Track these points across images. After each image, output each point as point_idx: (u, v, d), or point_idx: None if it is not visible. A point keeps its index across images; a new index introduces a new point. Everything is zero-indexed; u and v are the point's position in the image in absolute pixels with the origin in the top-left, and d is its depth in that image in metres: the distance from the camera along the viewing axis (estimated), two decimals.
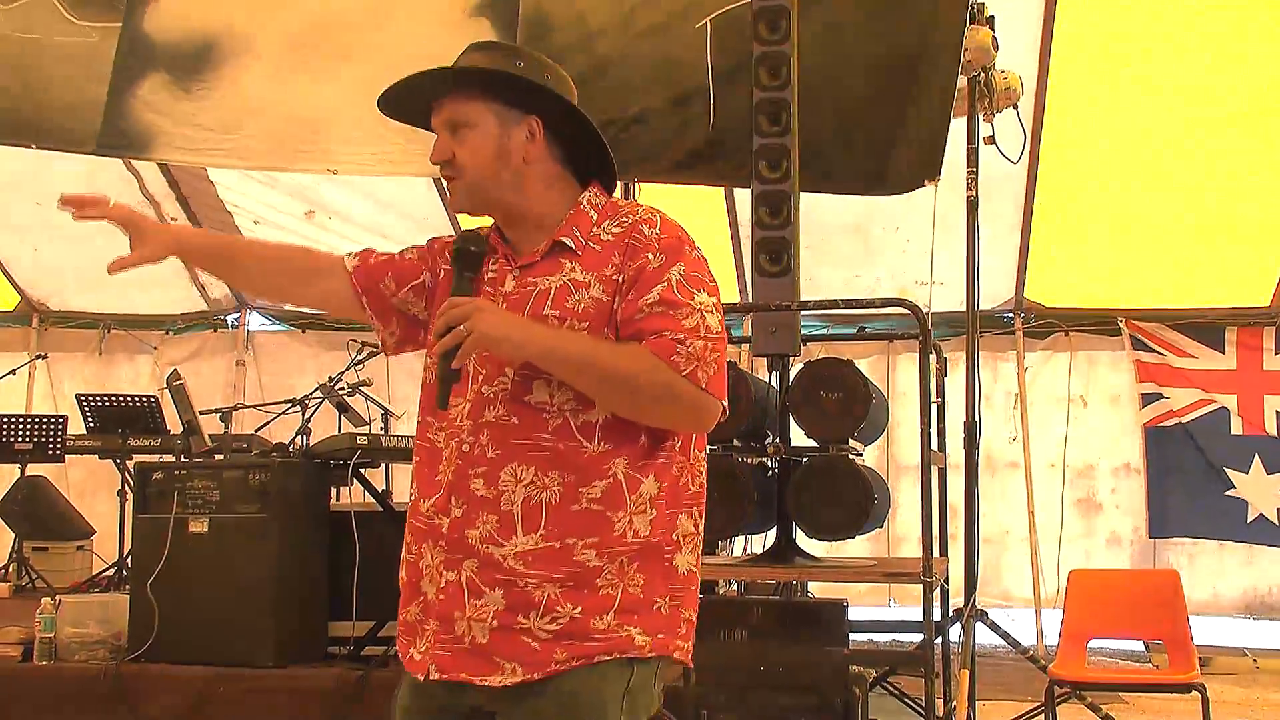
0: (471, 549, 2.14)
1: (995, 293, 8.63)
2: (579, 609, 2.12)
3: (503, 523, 2.13)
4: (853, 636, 4.65)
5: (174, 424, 7.66)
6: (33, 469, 8.03)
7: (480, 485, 2.15)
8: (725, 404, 2.19)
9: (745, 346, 6.22)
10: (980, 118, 5.71)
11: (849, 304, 5.71)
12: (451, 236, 2.38)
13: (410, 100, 2.31)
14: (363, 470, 5.18)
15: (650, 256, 2.20)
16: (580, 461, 2.14)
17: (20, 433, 7.75)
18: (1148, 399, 8.62)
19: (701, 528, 2.29)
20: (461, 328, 2.08)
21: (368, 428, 6.67)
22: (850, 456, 4.50)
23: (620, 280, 2.19)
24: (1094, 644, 5.84)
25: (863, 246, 8.60)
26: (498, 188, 2.26)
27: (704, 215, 8.34)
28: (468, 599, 2.14)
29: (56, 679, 4.83)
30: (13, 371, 9.04)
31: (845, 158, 5.47)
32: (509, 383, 2.16)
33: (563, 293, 2.20)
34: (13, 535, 7.95)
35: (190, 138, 5.79)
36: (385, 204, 8.53)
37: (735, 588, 6.42)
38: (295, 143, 5.89)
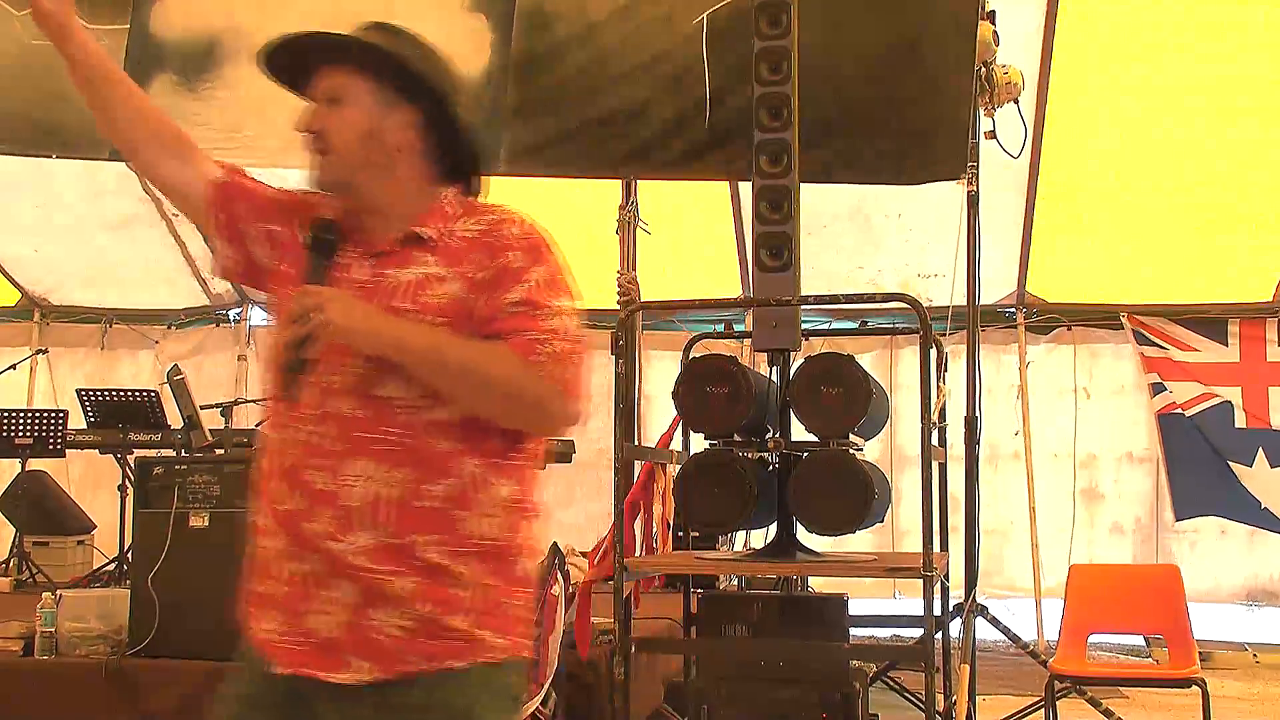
0: (310, 542, 2.06)
1: (997, 287, 8.63)
2: (431, 607, 2.06)
3: (342, 518, 2.05)
4: (853, 631, 4.65)
5: (175, 419, 7.67)
6: (34, 464, 8.03)
7: (321, 479, 2.07)
8: (581, 408, 2.14)
9: (746, 341, 6.21)
10: (981, 112, 5.70)
11: (850, 299, 5.72)
12: (313, 196, 2.28)
13: (293, 62, 2.24)
14: None
15: (512, 256, 2.15)
16: (428, 459, 2.08)
17: (21, 427, 7.75)
18: (1156, 389, 8.63)
19: (536, 534, 2.24)
20: (313, 317, 2.01)
21: None
22: (851, 452, 4.49)
23: (480, 278, 2.13)
24: (1094, 638, 5.84)
25: (865, 237, 8.59)
26: (361, 170, 2.18)
27: (708, 210, 8.35)
28: (317, 591, 2.07)
29: (57, 673, 4.83)
30: (13, 366, 9.06)
31: (864, 147, 5.46)
32: (358, 375, 2.09)
33: (418, 286, 2.13)
34: (13, 530, 7.95)
35: (198, 138, 5.77)
36: None
37: (736, 583, 6.42)
38: (298, 141, 5.89)
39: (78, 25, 2.26)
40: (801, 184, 4.86)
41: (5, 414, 7.92)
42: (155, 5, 6.09)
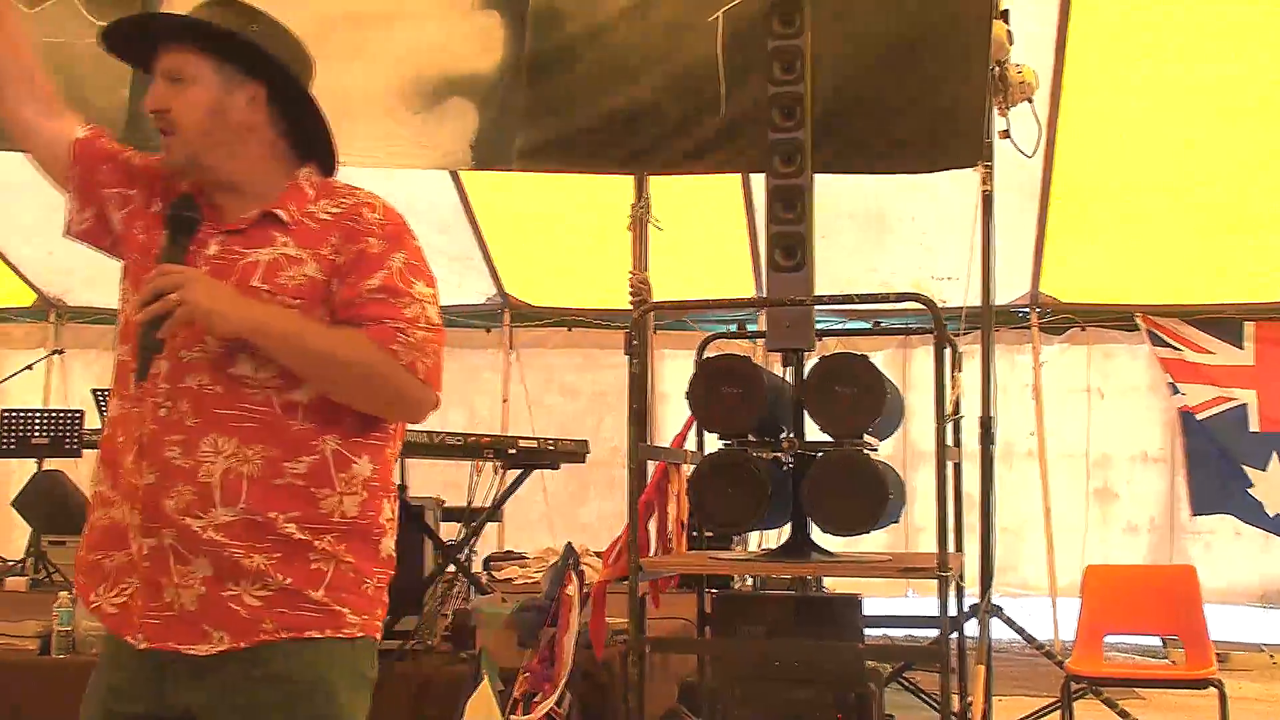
0: (168, 518, 2.05)
1: (1010, 287, 8.61)
2: (289, 580, 2.07)
3: (200, 494, 2.05)
4: (868, 631, 4.64)
5: None
6: (50, 463, 8.06)
7: (177, 454, 2.06)
8: (438, 396, 2.16)
9: (760, 341, 6.21)
10: (995, 112, 5.69)
11: (864, 299, 5.70)
12: (158, 165, 2.26)
13: (137, 42, 2.22)
14: None
15: (372, 241, 2.15)
16: (286, 436, 2.08)
17: (37, 427, 7.79)
18: (1171, 389, 8.60)
19: (396, 513, 2.25)
20: (172, 297, 2.00)
21: None
22: (865, 452, 4.49)
23: (338, 261, 2.14)
24: (1110, 639, 5.83)
25: (878, 239, 8.58)
26: (210, 148, 2.17)
27: (720, 209, 8.35)
28: (173, 565, 2.06)
29: (74, 672, 4.83)
30: (29, 367, 9.10)
31: (877, 137, 5.44)
32: (212, 352, 2.08)
33: (274, 267, 2.13)
34: (30, 529, 7.98)
35: None
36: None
37: (750, 583, 6.42)
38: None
39: None
40: (816, 177, 4.85)
41: (22, 414, 7.95)
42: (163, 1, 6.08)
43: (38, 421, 7.84)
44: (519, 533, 8.94)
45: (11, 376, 9.15)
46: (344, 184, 2.27)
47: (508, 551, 8.65)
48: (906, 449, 8.52)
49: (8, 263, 9.59)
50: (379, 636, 2.20)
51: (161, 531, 2.06)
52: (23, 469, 8.31)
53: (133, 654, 2.10)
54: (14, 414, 7.98)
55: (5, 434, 7.77)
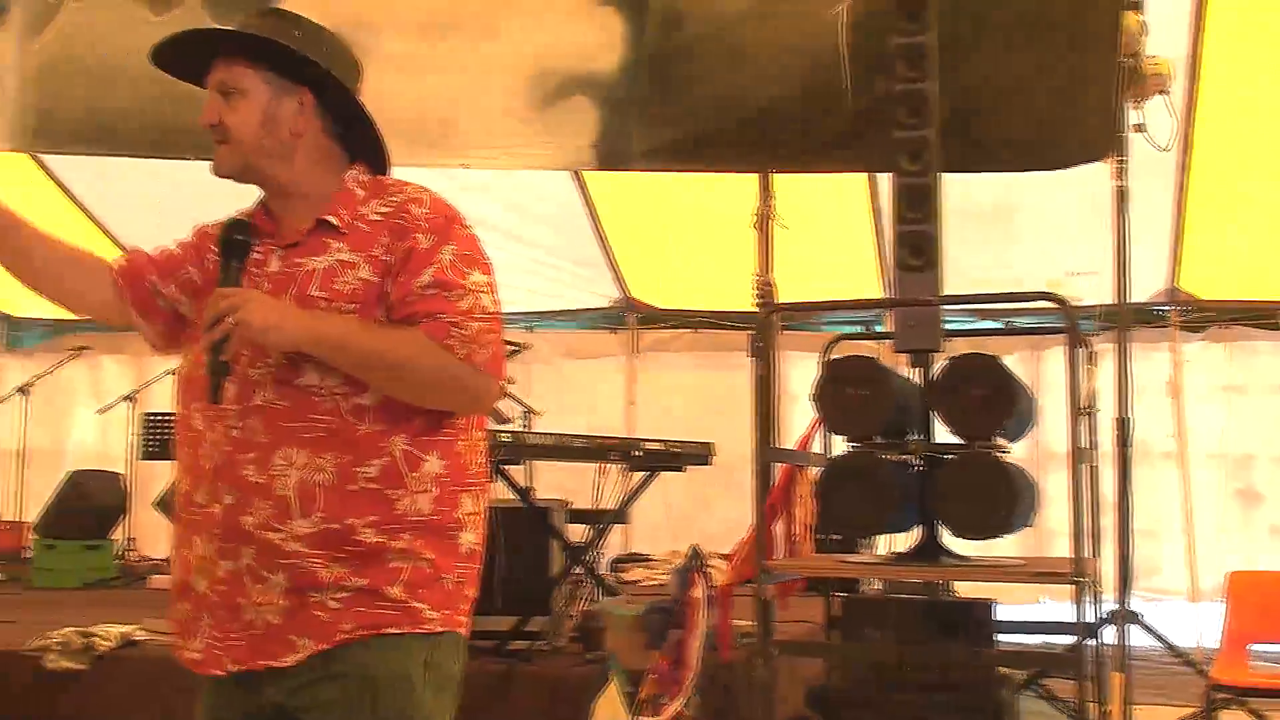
0: (248, 535, 2.09)
1: (1147, 284, 8.37)
2: (366, 580, 2.10)
3: (278, 507, 2.08)
4: (1001, 637, 4.55)
5: None
6: None
7: (252, 471, 2.10)
8: (504, 383, 2.19)
9: (887, 342, 6.14)
10: (1128, 105, 5.54)
11: (993, 299, 5.61)
12: (219, 224, 2.30)
13: (187, 58, 2.26)
14: (505, 467, 5.24)
15: (420, 237, 2.17)
16: (355, 441, 2.11)
17: None
18: None
19: (484, 507, 2.26)
20: (230, 319, 2.04)
21: (510, 425, 6.76)
22: (996, 454, 4.40)
23: (390, 261, 2.16)
24: (1256, 648, 5.63)
25: (1008, 236, 8.41)
26: (264, 157, 2.22)
27: (845, 208, 8.26)
28: (251, 585, 2.09)
29: None
30: (170, 372, 9.37)
31: (1006, 134, 5.34)
32: (275, 366, 2.11)
33: (329, 274, 2.15)
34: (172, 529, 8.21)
35: None
36: (515, 205, 8.56)
37: (877, 586, 6.34)
38: (427, 138, 5.88)
39: None
40: (943, 174, 4.78)
41: (164, 417, 8.24)
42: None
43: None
44: (644, 535, 8.95)
45: (152, 382, 9.46)
46: (394, 180, 2.30)
47: (633, 554, 8.69)
48: (1040, 452, 8.33)
49: None
50: (463, 630, 2.23)
51: (241, 550, 2.10)
52: (165, 470, 8.56)
53: (223, 681, 2.16)
54: (156, 417, 8.25)
55: (149, 437, 8.03)
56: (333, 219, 2.20)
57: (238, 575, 2.10)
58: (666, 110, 5.71)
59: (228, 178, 2.25)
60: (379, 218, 2.20)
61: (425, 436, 2.16)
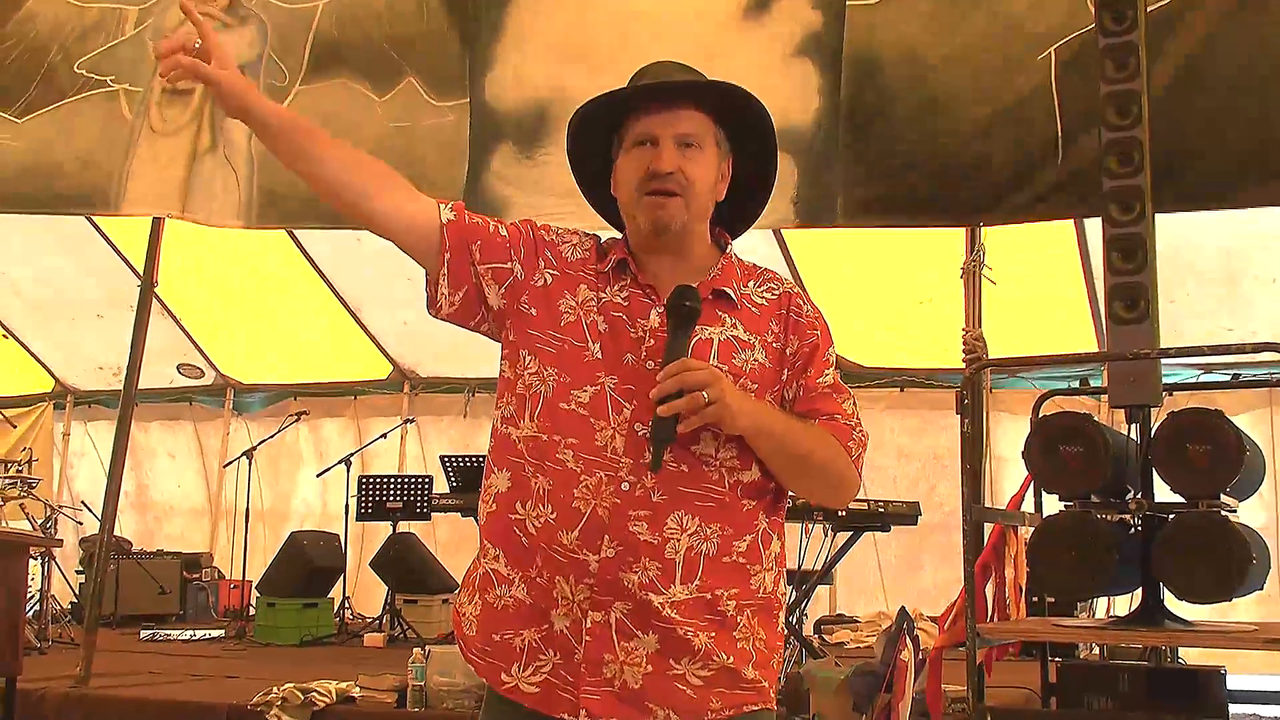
0: (626, 592, 2.06)
1: None
2: (731, 658, 2.10)
3: (664, 570, 2.06)
4: (1233, 708, 4.31)
5: None
6: (403, 526, 8.56)
7: (643, 529, 2.07)
8: None
9: (1102, 398, 5.92)
10: None
11: (1214, 350, 5.37)
12: (558, 236, 2.27)
13: (640, 98, 2.21)
14: None
15: (817, 335, 2.22)
16: (737, 515, 2.13)
17: (391, 492, 8.30)
18: None
19: None
20: (703, 395, 2.00)
21: None
22: (1223, 513, 4.20)
23: (785, 351, 2.19)
24: None
25: (1234, 297, 8.03)
26: (696, 217, 2.20)
27: (1053, 260, 8.03)
28: (617, 641, 2.07)
29: None
30: (384, 435, 9.73)
31: (1224, 173, 5.10)
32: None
33: (727, 348, 2.15)
34: (386, 588, 8.47)
35: (537, 205, 5.96)
36: None
37: (1096, 651, 6.09)
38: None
39: (256, 97, 2.17)
40: (1161, 229, 4.61)
41: (378, 480, 8.51)
42: (488, 75, 6.28)
43: (392, 487, 8.34)
44: (851, 596, 8.81)
45: (369, 444, 9.82)
46: (751, 264, 2.31)
47: (839, 615, 8.55)
48: (1276, 511, 7.88)
49: (369, 335, 10.31)
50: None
51: (614, 605, 2.08)
52: (379, 532, 8.85)
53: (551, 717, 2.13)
54: (371, 480, 8.54)
55: (364, 499, 8.32)
56: (730, 291, 2.21)
57: (605, 628, 2.08)
58: (868, 164, 5.57)
59: (664, 230, 2.18)
60: (764, 302, 2.23)
61: (774, 517, 2.21)
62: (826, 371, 2.21)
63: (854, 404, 2.23)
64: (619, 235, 2.31)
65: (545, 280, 2.23)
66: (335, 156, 2.19)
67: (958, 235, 5.97)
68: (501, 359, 2.26)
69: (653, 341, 2.14)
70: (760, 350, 2.18)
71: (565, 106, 6.08)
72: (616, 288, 2.20)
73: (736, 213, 2.32)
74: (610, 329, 2.17)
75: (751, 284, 2.24)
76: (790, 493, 2.26)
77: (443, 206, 2.22)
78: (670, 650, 2.08)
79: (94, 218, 8.52)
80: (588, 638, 2.08)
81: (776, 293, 2.24)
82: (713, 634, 2.09)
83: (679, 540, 2.08)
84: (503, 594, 2.16)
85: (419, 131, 6.30)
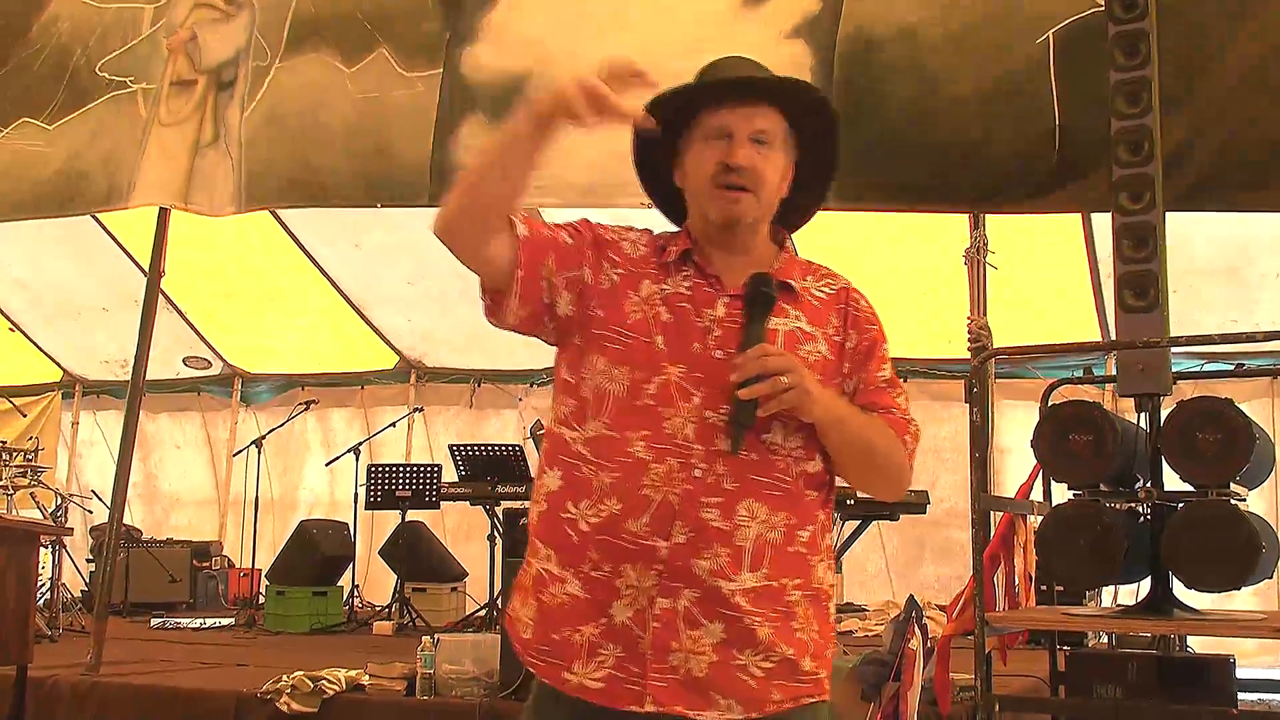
0: (696, 579, 2.08)
1: None
2: (791, 650, 2.13)
3: (734, 557, 2.09)
4: (1242, 696, 4.32)
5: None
6: (412, 515, 8.57)
7: (715, 516, 2.09)
8: None
9: (1110, 387, 5.92)
10: None
11: (1224, 339, 5.37)
12: (615, 229, 2.28)
13: (710, 91, 2.25)
14: None
15: (875, 330, 2.28)
16: (801, 505, 2.16)
17: (400, 481, 8.31)
18: None
19: None
20: (784, 379, 2.04)
21: None
22: (1233, 502, 4.20)
23: (845, 345, 2.24)
24: None
25: (1240, 293, 8.01)
26: (767, 213, 2.26)
27: (1057, 249, 8.02)
28: (684, 630, 2.08)
29: (437, 713, 5.09)
30: (393, 424, 9.75)
31: (1240, 171, 5.07)
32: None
33: (792, 339, 2.19)
34: (395, 577, 8.49)
35: None
36: None
37: (1104, 640, 6.09)
38: (610, 178, 5.77)
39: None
40: (1167, 219, 4.59)
41: (387, 469, 8.52)
42: (466, 48, 6.24)
43: (402, 476, 8.36)
44: (858, 586, 8.82)
45: (378, 434, 9.84)
46: (806, 260, 2.35)
47: (847, 604, 8.56)
48: (1276, 499, 7.87)
49: (375, 330, 10.32)
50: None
51: (683, 592, 2.09)
52: (388, 520, 8.86)
53: (609, 715, 2.12)
54: (380, 469, 8.55)
55: (373, 488, 8.34)
56: (794, 284, 2.25)
57: (673, 615, 2.09)
58: (861, 148, 5.41)
59: (735, 224, 2.22)
60: (824, 295, 2.27)
61: (828, 509, 2.25)
62: (884, 366, 2.27)
63: (907, 399, 2.29)
64: (647, 228, 2.35)
65: (612, 280, 2.24)
66: (502, 206, 2.16)
67: (959, 223, 5.95)
68: (559, 362, 2.27)
69: (719, 331, 2.17)
70: (823, 343, 2.22)
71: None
72: (680, 278, 2.23)
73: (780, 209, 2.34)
74: (675, 319, 2.19)
75: (809, 278, 2.29)
76: (846, 485, 2.30)
77: (516, 221, 2.18)
78: (735, 640, 2.10)
79: (100, 215, 8.50)
80: (655, 624, 2.09)
81: (834, 288, 2.29)
82: (776, 625, 2.12)
83: (749, 528, 2.10)
84: (557, 592, 2.17)
85: (388, 103, 6.27)
